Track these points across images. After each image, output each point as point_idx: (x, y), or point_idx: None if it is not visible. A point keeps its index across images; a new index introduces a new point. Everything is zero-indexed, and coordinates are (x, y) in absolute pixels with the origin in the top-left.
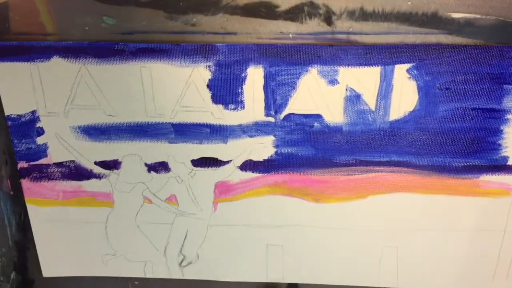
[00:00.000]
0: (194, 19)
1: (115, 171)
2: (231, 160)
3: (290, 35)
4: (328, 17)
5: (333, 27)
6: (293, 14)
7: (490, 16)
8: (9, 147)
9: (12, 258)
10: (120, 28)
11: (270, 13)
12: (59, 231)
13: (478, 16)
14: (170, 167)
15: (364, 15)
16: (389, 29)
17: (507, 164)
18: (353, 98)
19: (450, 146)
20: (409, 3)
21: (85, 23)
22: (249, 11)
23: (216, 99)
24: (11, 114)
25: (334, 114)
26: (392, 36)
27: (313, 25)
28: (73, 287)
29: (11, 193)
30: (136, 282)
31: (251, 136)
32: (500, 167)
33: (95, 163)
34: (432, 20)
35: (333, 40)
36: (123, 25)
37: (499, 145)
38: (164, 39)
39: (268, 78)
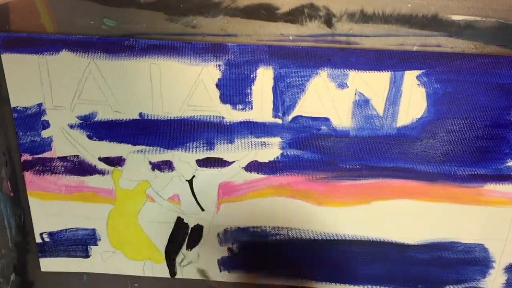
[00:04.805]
0: (195, 21)
1: (119, 168)
2: (236, 161)
3: (290, 37)
4: (328, 19)
5: (333, 29)
6: (293, 16)
7: (490, 19)
8: (9, 148)
9: (12, 259)
10: (121, 30)
11: (271, 15)
12: (60, 226)
13: (478, 18)
14: (174, 166)
15: (364, 17)
16: (389, 31)
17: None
18: (362, 103)
19: (456, 155)
20: (409, 5)
21: (86, 24)
22: (249, 13)
23: (224, 99)
24: (17, 106)
25: (342, 118)
26: (392, 38)
27: (313, 27)
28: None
29: (11, 194)
30: (136, 284)
31: (258, 137)
32: (504, 176)
33: (99, 159)
34: (432, 23)
35: (333, 42)
36: (124, 27)
37: (506, 154)
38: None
39: (277, 79)
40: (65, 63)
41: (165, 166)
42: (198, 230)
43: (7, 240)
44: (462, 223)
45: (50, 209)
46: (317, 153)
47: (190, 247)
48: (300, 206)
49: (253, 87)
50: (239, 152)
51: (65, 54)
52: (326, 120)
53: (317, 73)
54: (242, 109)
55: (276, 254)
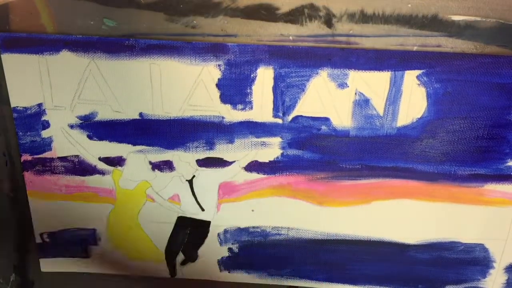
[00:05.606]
0: (195, 21)
1: (119, 168)
2: (236, 161)
3: (291, 37)
4: (329, 20)
5: (334, 30)
6: (293, 17)
7: (490, 19)
8: (9, 148)
9: (12, 259)
10: (121, 30)
11: (271, 15)
12: (60, 226)
13: (478, 18)
14: (174, 166)
15: (364, 18)
16: (390, 31)
17: None
18: (362, 103)
19: (457, 154)
20: (409, 5)
21: (86, 25)
22: (249, 13)
23: (224, 99)
24: (17, 106)
25: (342, 118)
26: (392, 38)
27: (313, 28)
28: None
29: (11, 194)
30: (136, 284)
31: (258, 137)
32: (504, 176)
33: (99, 159)
34: (432, 23)
35: (333, 43)
36: (124, 27)
37: (506, 154)
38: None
39: (277, 79)
40: (65, 63)
41: (165, 166)
42: (198, 230)
43: (7, 240)
44: (462, 223)
45: (50, 209)
46: (317, 153)
47: (191, 247)
48: (300, 206)
49: (253, 87)
50: (239, 152)
51: (65, 54)
52: (326, 120)
53: (317, 73)
54: (242, 109)
55: (276, 254)
